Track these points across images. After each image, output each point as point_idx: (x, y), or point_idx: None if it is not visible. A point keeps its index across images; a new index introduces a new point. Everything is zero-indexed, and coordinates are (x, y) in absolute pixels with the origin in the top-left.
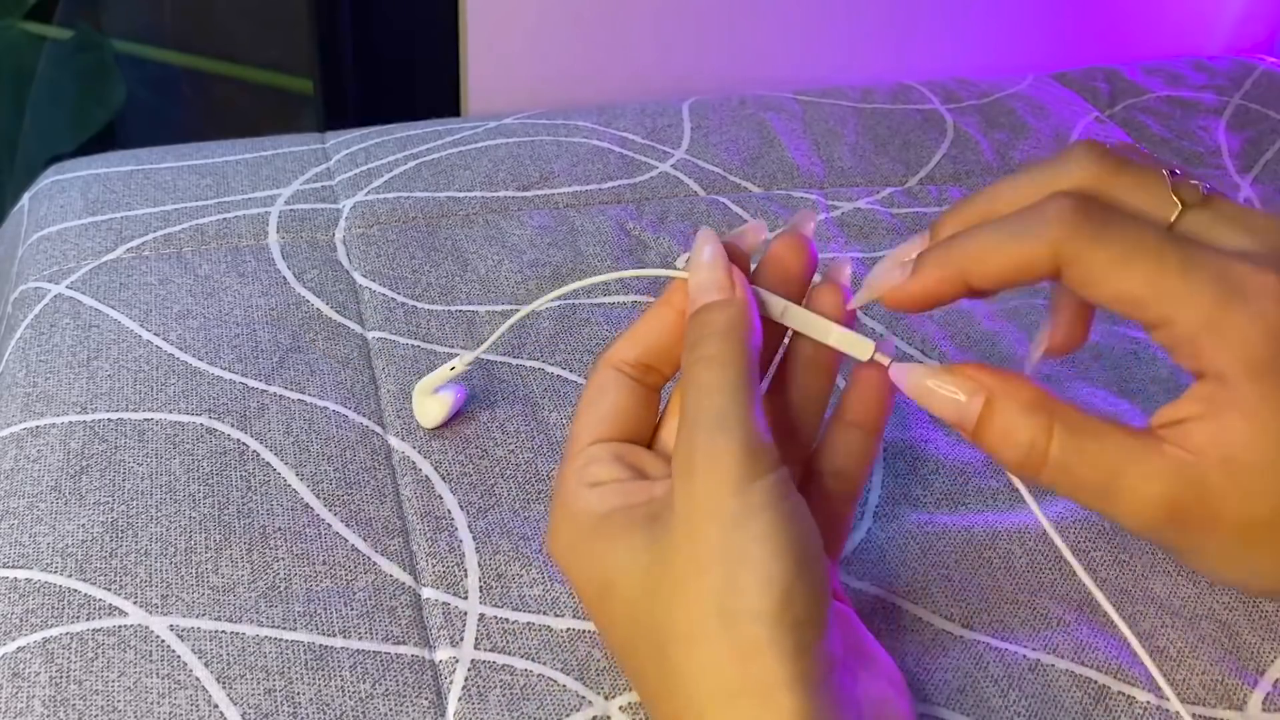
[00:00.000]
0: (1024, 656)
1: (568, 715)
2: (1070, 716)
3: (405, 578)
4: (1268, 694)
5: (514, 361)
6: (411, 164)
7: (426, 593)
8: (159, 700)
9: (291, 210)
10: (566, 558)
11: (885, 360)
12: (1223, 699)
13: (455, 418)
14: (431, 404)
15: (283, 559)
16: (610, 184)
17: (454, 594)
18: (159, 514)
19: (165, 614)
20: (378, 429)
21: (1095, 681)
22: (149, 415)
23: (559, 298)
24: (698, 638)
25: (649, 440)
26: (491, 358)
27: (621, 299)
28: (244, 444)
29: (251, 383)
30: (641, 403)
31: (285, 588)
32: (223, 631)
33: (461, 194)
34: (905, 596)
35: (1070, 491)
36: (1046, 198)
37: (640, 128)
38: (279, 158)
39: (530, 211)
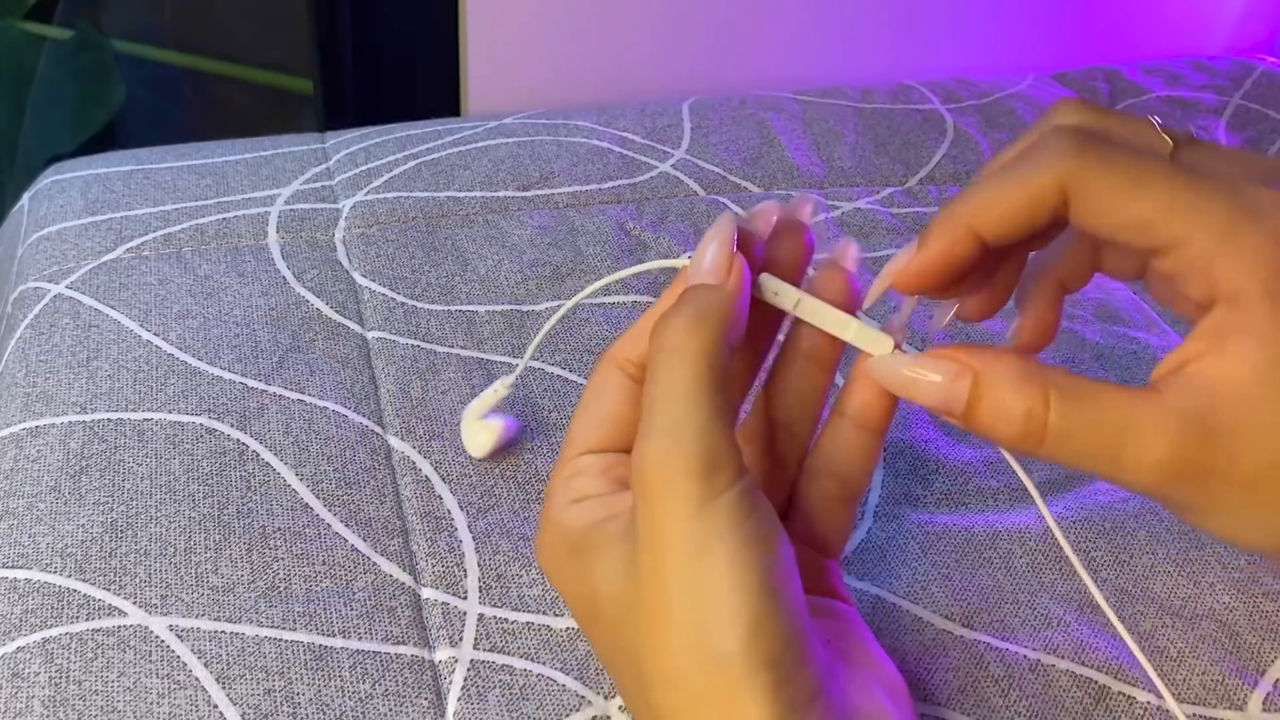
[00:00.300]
0: (1024, 656)
1: (567, 715)
2: (1071, 716)
3: (405, 578)
4: (1268, 694)
5: (513, 361)
6: (411, 164)
7: (426, 593)
8: (158, 700)
9: (291, 210)
10: (553, 571)
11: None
12: (1223, 699)
13: (508, 448)
14: (480, 431)
15: (282, 559)
16: (610, 184)
17: (454, 594)
18: (158, 514)
19: (165, 614)
20: (377, 429)
21: (1096, 681)
22: (148, 415)
23: (597, 292)
24: (674, 680)
25: None
26: (492, 358)
27: (621, 299)
28: (244, 444)
29: (251, 383)
30: (639, 406)
31: (285, 588)
32: (222, 632)
33: (461, 194)
34: (906, 596)
35: (1074, 459)
36: (1047, 133)
37: (640, 128)
38: (279, 158)
39: (530, 211)
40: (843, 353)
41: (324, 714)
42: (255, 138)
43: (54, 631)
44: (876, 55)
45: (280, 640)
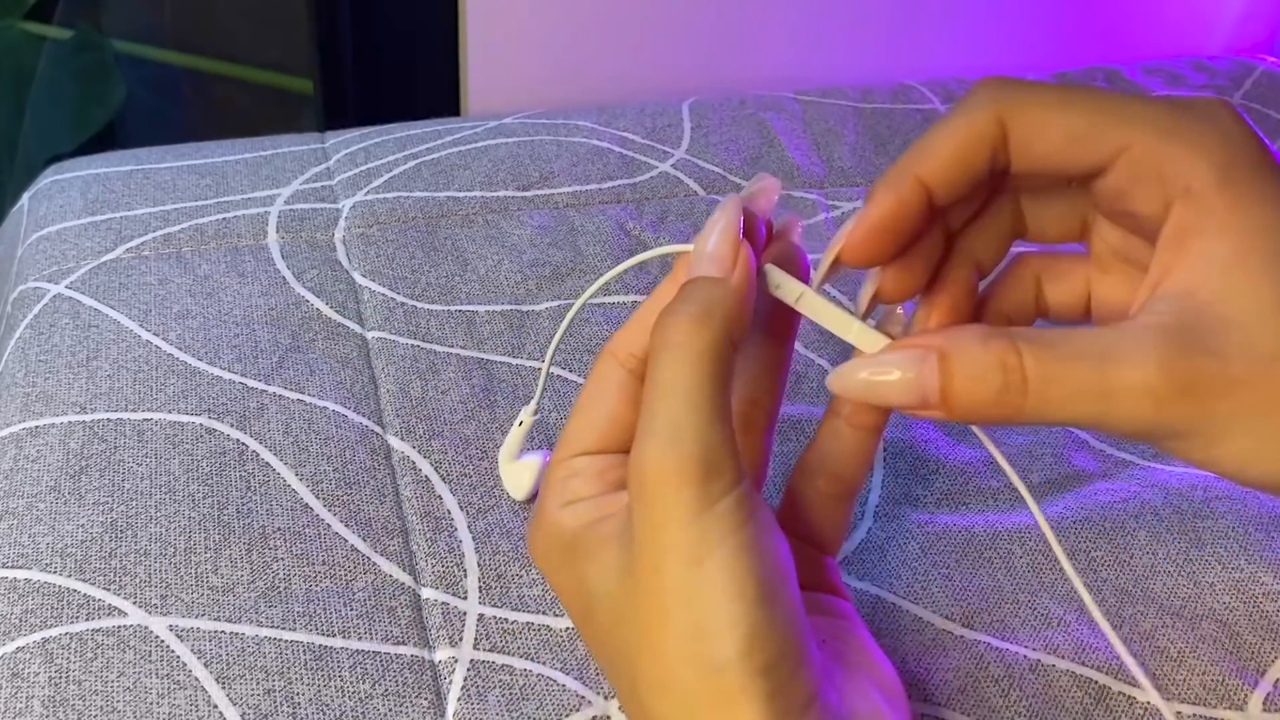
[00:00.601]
0: (1025, 657)
1: (567, 715)
2: (1071, 717)
3: (405, 578)
4: (1268, 694)
5: (513, 361)
6: (411, 164)
7: (426, 593)
8: (158, 700)
9: (291, 210)
10: (547, 570)
11: None
12: (1223, 699)
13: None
14: (520, 473)
15: (282, 559)
16: (610, 184)
17: (453, 594)
18: (158, 514)
19: (165, 614)
20: (377, 429)
21: (1096, 682)
22: (148, 415)
23: (603, 286)
24: (669, 686)
25: None
26: (492, 358)
27: (621, 299)
28: (243, 444)
29: (251, 383)
30: (637, 406)
31: (285, 588)
32: (222, 632)
33: (461, 194)
34: (906, 596)
35: (1062, 407)
36: (977, 84)
37: (640, 128)
38: (278, 157)
39: (530, 211)
40: (799, 324)
41: (324, 714)
42: (255, 138)
43: (54, 631)
44: (876, 55)
45: (280, 640)
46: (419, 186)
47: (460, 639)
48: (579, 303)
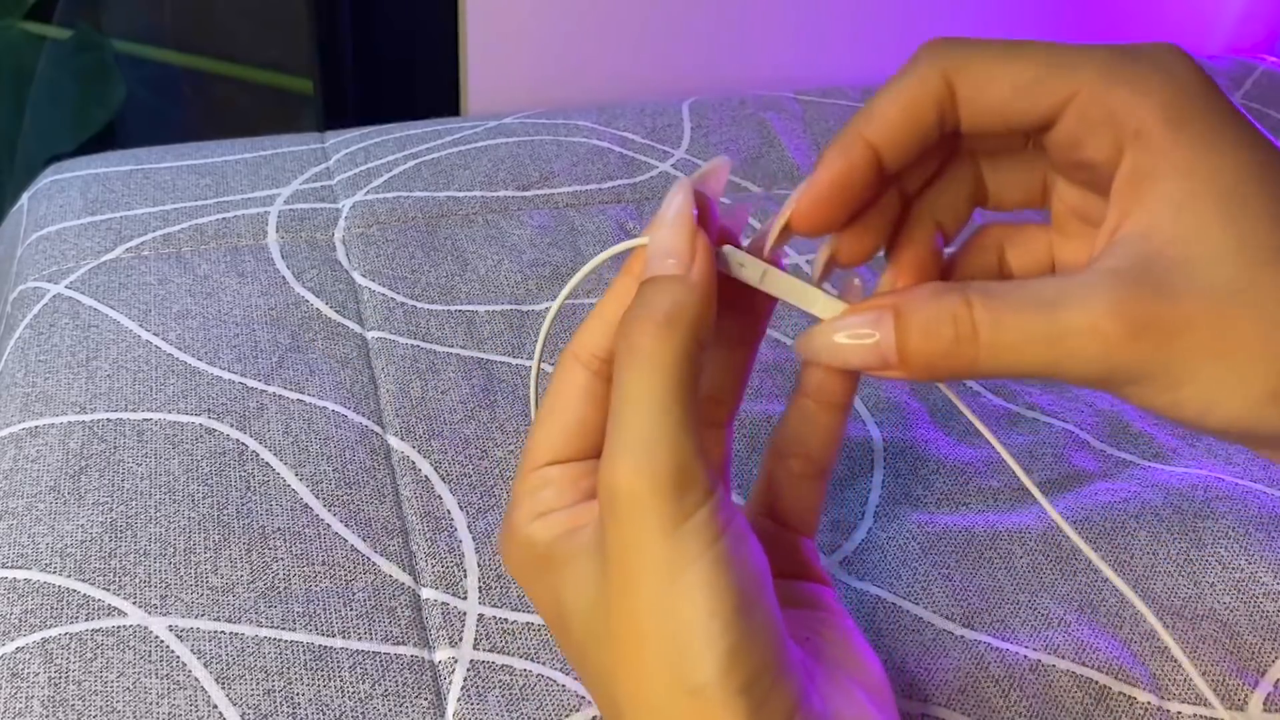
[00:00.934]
0: (1025, 657)
1: (567, 715)
2: (1071, 717)
3: (405, 578)
4: (1268, 694)
5: (513, 361)
6: (411, 164)
7: (426, 593)
8: (158, 701)
9: (291, 210)
10: (521, 581)
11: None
12: (1223, 699)
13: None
14: None
15: (282, 559)
16: (610, 184)
17: (453, 594)
18: (158, 514)
19: (164, 614)
20: (377, 429)
21: (1096, 682)
22: (148, 415)
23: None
24: (649, 707)
25: None
26: (492, 358)
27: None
28: (243, 444)
29: (251, 382)
30: (604, 409)
31: (284, 588)
32: (222, 632)
33: (461, 194)
34: (906, 596)
35: (1016, 355)
36: (920, 47)
37: (640, 128)
38: (278, 157)
39: (530, 211)
40: (770, 311)
41: (324, 714)
42: (255, 138)
43: (53, 632)
44: (876, 55)
45: (280, 640)
46: (419, 186)
47: (460, 639)
48: (554, 308)
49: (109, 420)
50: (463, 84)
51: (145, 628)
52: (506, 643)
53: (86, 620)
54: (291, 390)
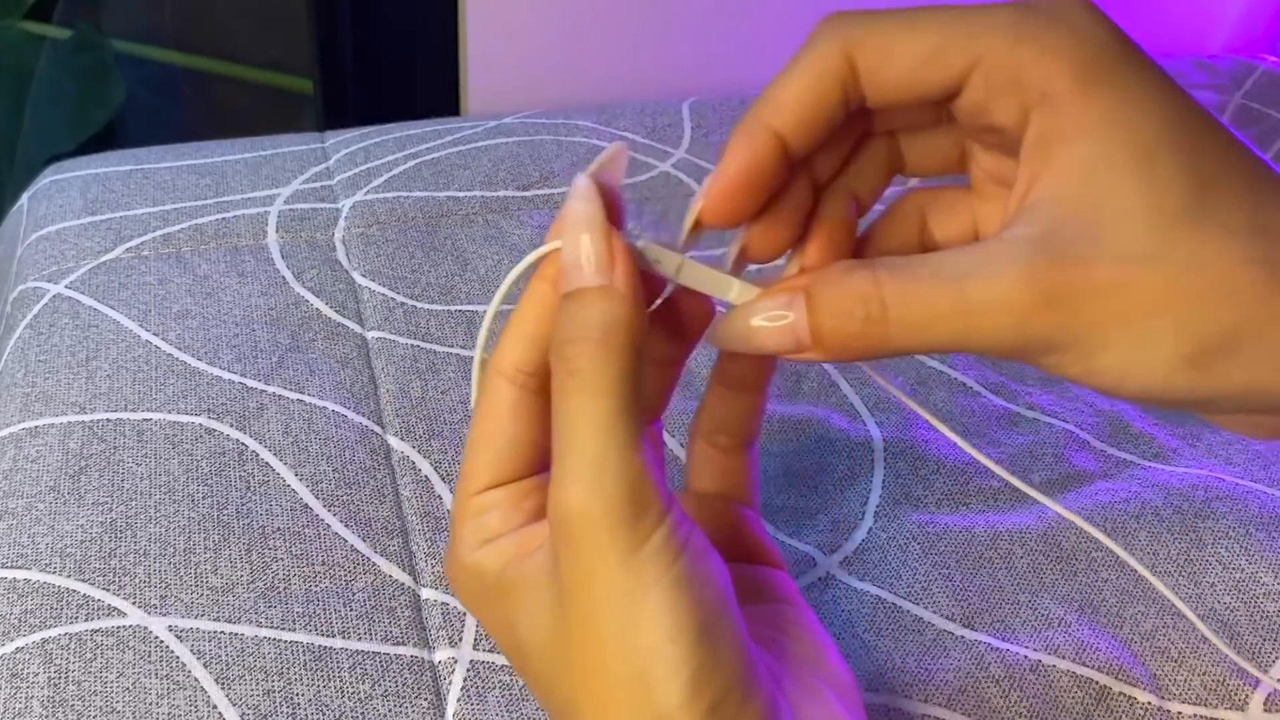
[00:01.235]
0: (1025, 657)
1: None
2: (1071, 717)
3: (404, 578)
4: (1269, 694)
5: None
6: (411, 164)
7: (426, 593)
8: (158, 701)
9: (291, 210)
10: (473, 610)
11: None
12: (1224, 699)
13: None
14: None
15: (282, 559)
16: None
17: (453, 594)
18: (158, 514)
19: (164, 614)
20: (377, 429)
21: (1096, 682)
22: (148, 415)
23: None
24: None
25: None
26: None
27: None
28: (243, 444)
29: (250, 382)
30: (544, 426)
31: (284, 588)
32: (221, 632)
33: (461, 194)
34: (906, 597)
35: (927, 332)
36: (816, 24)
37: (640, 128)
38: (278, 157)
39: (530, 211)
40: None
41: (323, 714)
42: (255, 137)
43: (53, 632)
44: None
45: (279, 641)
46: (419, 186)
47: (460, 639)
48: (483, 332)
49: (109, 420)
50: (463, 84)
51: (145, 628)
52: None
53: (86, 620)
54: (291, 390)
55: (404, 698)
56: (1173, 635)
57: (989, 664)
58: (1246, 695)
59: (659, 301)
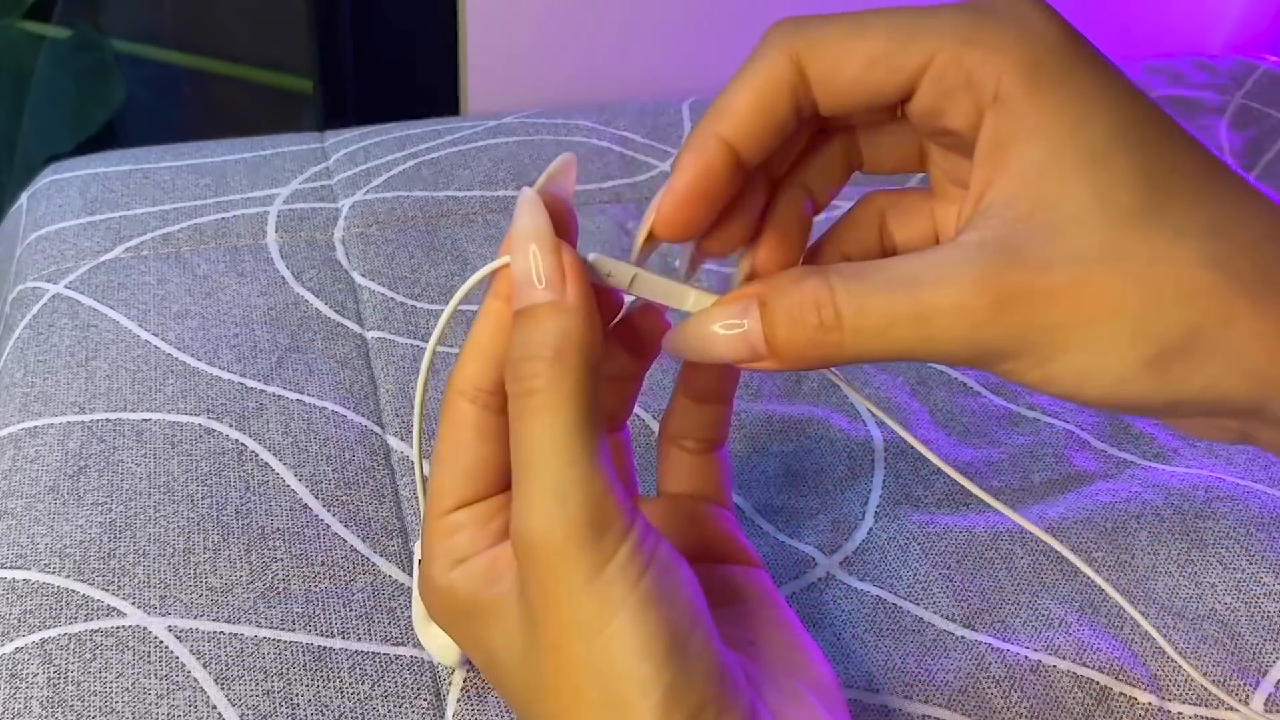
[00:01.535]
0: (1026, 657)
1: None
2: (1072, 717)
3: (404, 578)
4: (1269, 695)
5: None
6: (411, 163)
7: None
8: (157, 701)
9: (290, 210)
10: (450, 631)
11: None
12: (1224, 700)
13: None
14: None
15: (281, 560)
16: (610, 184)
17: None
18: (157, 514)
19: (163, 615)
20: (376, 429)
21: (1097, 683)
22: (147, 415)
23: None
24: None
25: None
26: None
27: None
28: (242, 444)
29: (250, 383)
30: (507, 443)
31: (284, 588)
32: (221, 632)
33: (461, 193)
34: (907, 597)
35: (882, 339)
36: (765, 31)
37: (640, 127)
38: (278, 157)
39: None
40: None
41: (323, 715)
42: (254, 137)
43: (52, 632)
44: None
45: (279, 641)
46: (419, 186)
47: None
48: (431, 346)
49: (108, 420)
50: (463, 84)
51: (144, 628)
52: None
53: (85, 621)
54: (291, 390)
55: (404, 698)
56: (1173, 635)
57: (989, 664)
58: (1247, 696)
59: (619, 318)
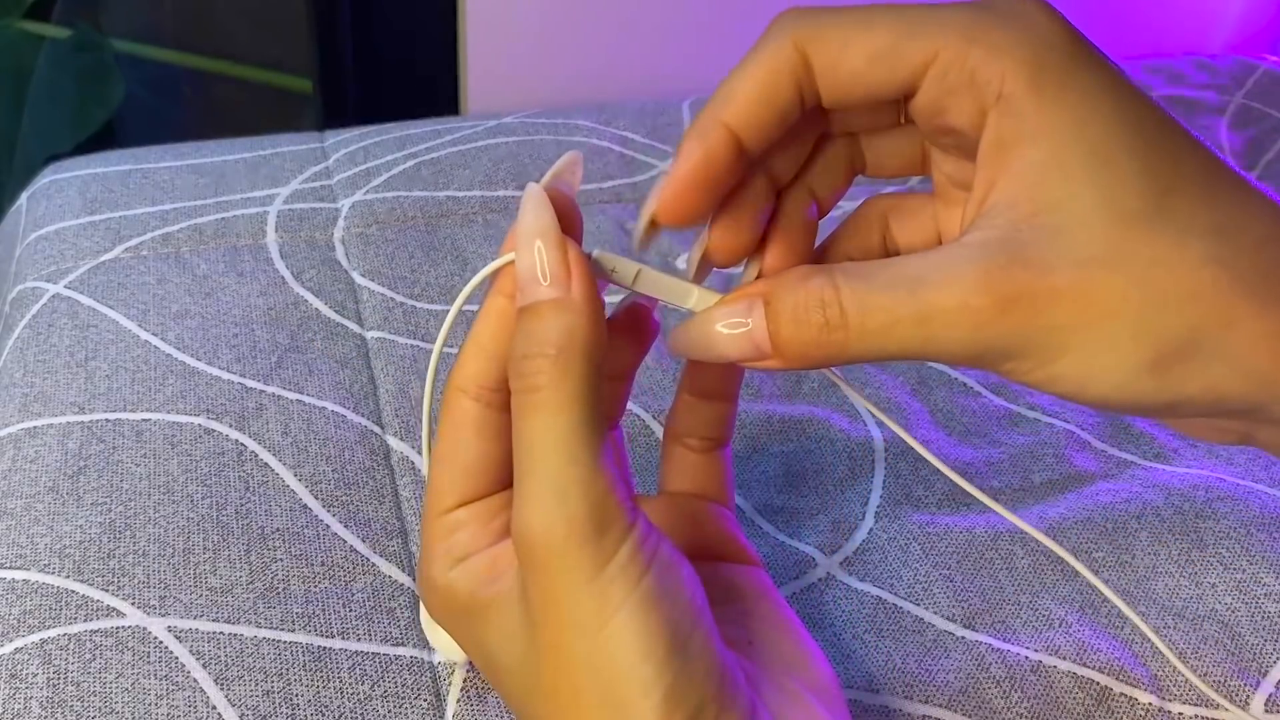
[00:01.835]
0: (1026, 658)
1: None
2: (1072, 718)
3: (404, 579)
4: (1270, 695)
5: None
6: (410, 163)
7: None
8: (157, 701)
9: (290, 209)
10: (449, 630)
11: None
12: (1225, 700)
13: None
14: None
15: (281, 560)
16: (610, 184)
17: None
18: (157, 514)
19: (163, 615)
20: (376, 429)
21: (1097, 683)
22: (147, 415)
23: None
24: None
25: None
26: None
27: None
28: (242, 444)
29: (250, 383)
30: (509, 440)
31: (283, 589)
32: (221, 633)
33: (461, 193)
34: (907, 597)
35: (886, 338)
36: (772, 20)
37: (640, 127)
38: (277, 157)
39: None
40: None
41: (323, 715)
42: (254, 137)
43: (52, 632)
44: None
45: (279, 641)
46: (418, 186)
47: None
48: (438, 345)
49: (107, 420)
50: (463, 84)
51: (144, 628)
52: None
53: (85, 621)
54: (290, 390)
55: (404, 698)
56: (1174, 636)
57: (990, 665)
58: (1247, 696)
59: (608, 317)
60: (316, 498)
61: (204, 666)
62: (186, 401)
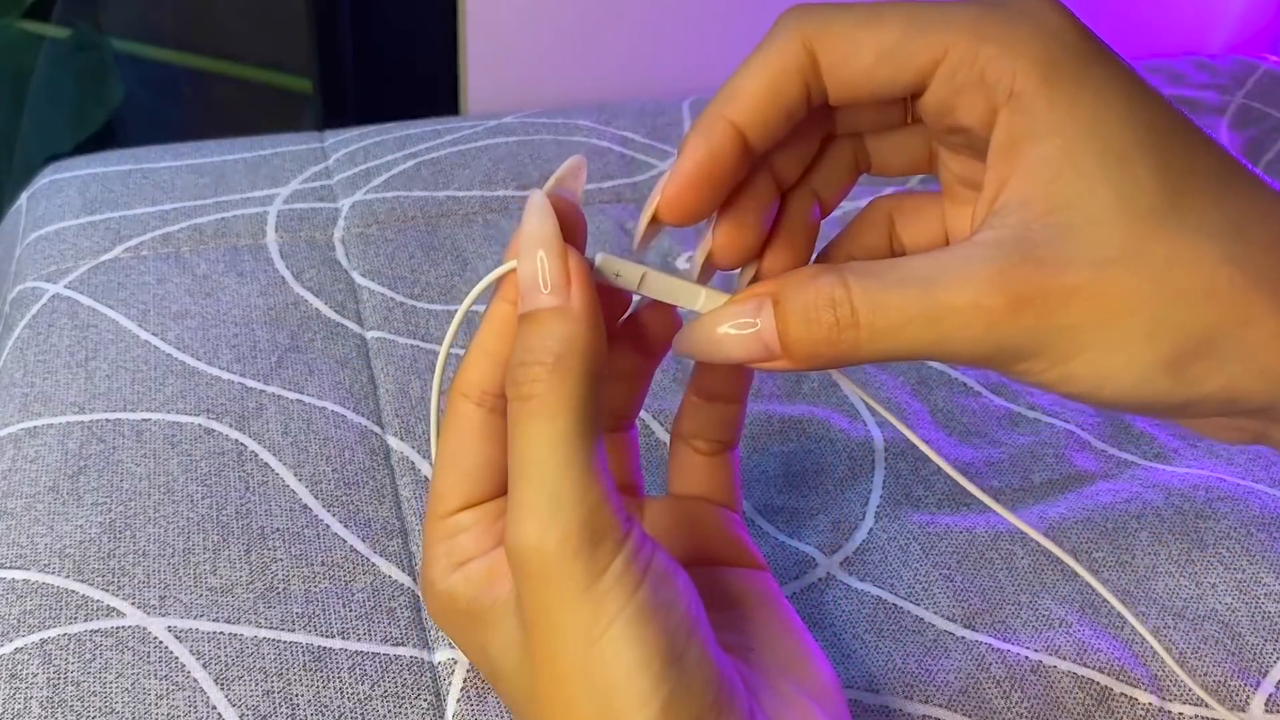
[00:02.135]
0: (1026, 658)
1: None
2: (1073, 718)
3: (404, 578)
4: (1270, 695)
5: None
6: (410, 163)
7: None
8: (157, 701)
9: (290, 209)
10: (449, 633)
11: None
12: (1225, 700)
13: None
14: None
15: (281, 560)
16: (610, 184)
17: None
18: (157, 514)
19: (163, 615)
20: (376, 429)
21: (1098, 683)
22: (147, 415)
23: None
24: None
25: None
26: None
27: None
28: (242, 444)
29: (250, 382)
30: (505, 444)
31: (283, 589)
32: (221, 633)
33: (461, 193)
34: (907, 597)
35: (897, 338)
36: (779, 16)
37: (640, 127)
38: (277, 157)
39: None
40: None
41: (323, 715)
42: (254, 137)
43: (52, 632)
44: None
45: (279, 641)
46: (418, 186)
47: None
48: (443, 353)
49: (107, 420)
50: (463, 84)
51: (144, 628)
52: None
53: (85, 621)
54: (290, 390)
55: (404, 698)
56: (1174, 636)
57: (990, 665)
58: (1247, 696)
59: (625, 316)
60: (316, 497)
61: (204, 666)
62: (186, 401)
